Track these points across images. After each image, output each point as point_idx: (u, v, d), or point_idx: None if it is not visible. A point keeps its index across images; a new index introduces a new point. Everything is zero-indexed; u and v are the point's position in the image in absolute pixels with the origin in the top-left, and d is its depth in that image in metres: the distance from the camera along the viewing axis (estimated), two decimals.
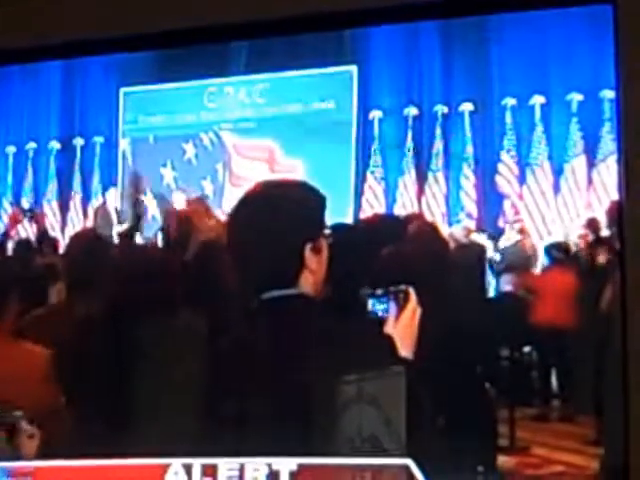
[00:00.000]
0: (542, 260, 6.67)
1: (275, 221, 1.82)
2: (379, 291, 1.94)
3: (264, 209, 1.85)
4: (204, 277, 2.84)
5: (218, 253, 3.12)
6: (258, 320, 1.85)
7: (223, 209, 6.79)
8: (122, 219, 7.44)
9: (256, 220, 1.84)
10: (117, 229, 7.47)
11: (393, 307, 1.91)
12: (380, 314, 1.91)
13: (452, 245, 5.70)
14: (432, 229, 3.60)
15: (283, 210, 1.84)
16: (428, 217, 7.32)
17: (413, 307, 1.91)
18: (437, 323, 1.92)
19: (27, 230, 7.68)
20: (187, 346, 2.22)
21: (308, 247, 1.84)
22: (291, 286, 1.83)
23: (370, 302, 1.94)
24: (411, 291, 1.92)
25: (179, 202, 7.61)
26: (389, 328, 1.88)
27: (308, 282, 1.85)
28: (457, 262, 3.78)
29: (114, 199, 8.56)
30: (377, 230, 3.15)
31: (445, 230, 7.26)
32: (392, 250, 2.56)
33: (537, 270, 6.69)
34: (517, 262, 6.19)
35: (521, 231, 7.11)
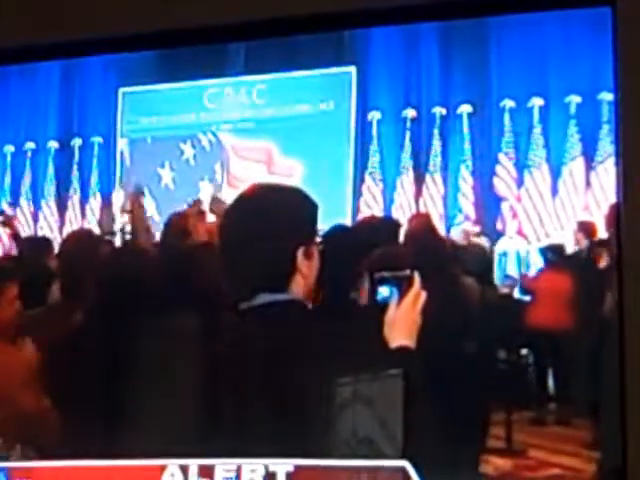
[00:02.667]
0: (538, 262, 6.67)
1: (268, 224, 1.82)
2: (383, 275, 1.89)
3: (258, 212, 1.85)
4: (198, 278, 2.84)
5: (210, 256, 3.11)
6: (252, 323, 1.84)
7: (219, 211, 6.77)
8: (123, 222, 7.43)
9: (249, 223, 1.84)
10: (116, 230, 7.45)
11: (395, 293, 1.87)
12: (382, 300, 1.88)
13: (449, 247, 5.70)
14: (429, 230, 3.60)
15: (277, 214, 1.84)
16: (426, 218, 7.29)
17: (416, 292, 1.87)
18: (433, 326, 1.91)
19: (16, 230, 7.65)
20: (182, 347, 2.21)
21: (300, 251, 1.84)
22: (283, 290, 1.83)
23: (373, 288, 1.89)
24: (416, 276, 1.88)
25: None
26: (390, 314, 1.86)
27: (299, 286, 1.86)
28: (454, 264, 3.78)
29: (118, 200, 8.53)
30: (372, 232, 3.14)
31: (443, 231, 7.27)
32: (386, 251, 2.55)
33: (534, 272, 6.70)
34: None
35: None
